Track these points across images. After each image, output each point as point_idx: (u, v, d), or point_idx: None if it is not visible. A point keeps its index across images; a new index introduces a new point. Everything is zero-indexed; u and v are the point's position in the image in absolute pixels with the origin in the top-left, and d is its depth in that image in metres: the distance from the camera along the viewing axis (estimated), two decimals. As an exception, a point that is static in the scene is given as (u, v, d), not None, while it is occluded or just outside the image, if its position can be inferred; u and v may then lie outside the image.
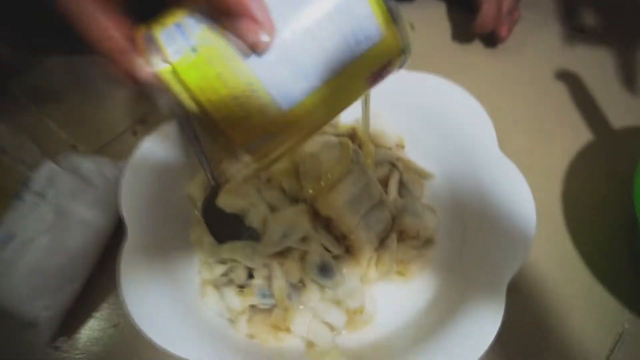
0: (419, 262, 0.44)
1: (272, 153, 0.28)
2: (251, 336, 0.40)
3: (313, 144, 0.44)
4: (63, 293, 0.42)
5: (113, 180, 0.46)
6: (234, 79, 0.23)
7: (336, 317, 0.39)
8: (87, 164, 0.46)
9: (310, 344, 0.39)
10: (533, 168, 0.50)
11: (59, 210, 0.42)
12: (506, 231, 0.40)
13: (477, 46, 0.62)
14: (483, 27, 0.57)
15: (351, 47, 0.24)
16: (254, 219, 0.43)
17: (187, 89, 0.23)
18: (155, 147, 0.45)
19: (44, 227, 0.42)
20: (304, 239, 0.40)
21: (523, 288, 0.44)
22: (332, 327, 0.39)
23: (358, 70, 0.25)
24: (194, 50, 0.23)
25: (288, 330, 0.39)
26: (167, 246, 0.43)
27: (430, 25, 0.65)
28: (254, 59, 0.23)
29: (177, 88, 0.23)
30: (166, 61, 0.23)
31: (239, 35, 0.23)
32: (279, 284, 0.38)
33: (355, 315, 0.41)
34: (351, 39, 0.24)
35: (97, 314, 0.44)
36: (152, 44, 0.24)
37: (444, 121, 0.48)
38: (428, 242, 0.45)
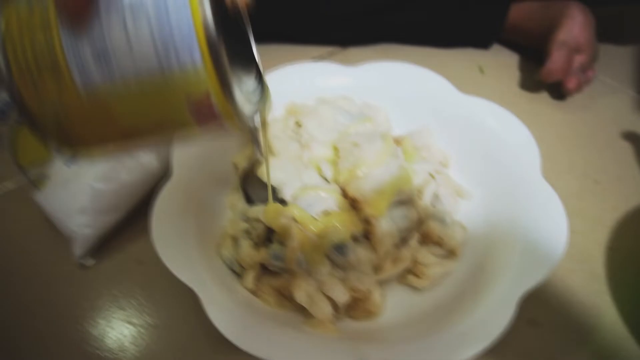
0: (437, 270, 0.43)
1: (78, 139, 0.26)
2: (254, 293, 0.41)
3: (356, 134, 0.46)
4: (105, 218, 0.46)
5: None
6: (42, 40, 0.23)
7: (339, 293, 0.39)
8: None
9: (309, 315, 0.39)
10: (580, 214, 0.48)
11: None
12: (532, 250, 0.38)
13: (543, 96, 0.63)
14: (549, 75, 0.58)
15: (159, 54, 0.23)
16: (287, 192, 0.45)
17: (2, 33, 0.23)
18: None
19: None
20: (326, 213, 0.41)
21: (546, 323, 0.41)
22: (333, 303, 0.39)
23: (173, 85, 0.24)
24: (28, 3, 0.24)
25: (290, 297, 0.40)
26: (202, 200, 0.46)
27: (500, 71, 0.66)
28: (67, 30, 0.23)
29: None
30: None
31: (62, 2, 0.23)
32: (293, 246, 0.39)
33: (360, 302, 0.40)
34: (160, 46, 0.23)
35: (127, 248, 0.48)
36: None
37: (490, 143, 0.48)
38: (451, 254, 0.44)
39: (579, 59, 0.59)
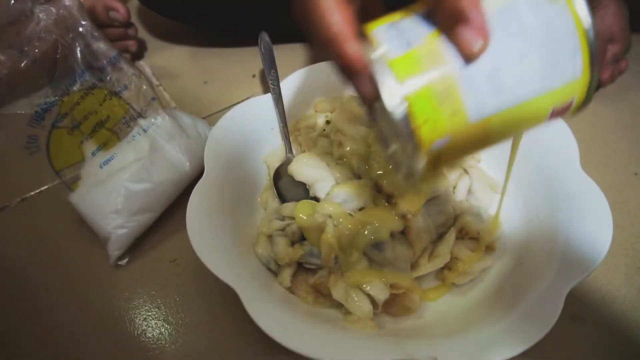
0: (475, 266, 0.42)
1: (440, 160, 0.27)
2: (291, 292, 0.41)
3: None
4: (139, 218, 0.46)
5: (205, 138, 0.51)
6: (437, 80, 0.24)
7: (378, 289, 0.38)
8: (187, 119, 0.52)
9: (347, 312, 0.39)
10: (620, 207, 0.47)
11: (154, 145, 0.48)
12: (576, 244, 0.37)
13: (574, 88, 0.61)
14: (582, 66, 0.57)
15: (548, 77, 0.24)
16: (320, 190, 0.45)
17: (394, 78, 0.24)
18: (243, 116, 0.50)
19: (139, 156, 0.47)
20: (361, 209, 0.41)
21: (589, 319, 0.40)
22: (372, 300, 0.38)
23: (547, 101, 0.25)
24: (407, 46, 0.24)
25: (328, 294, 0.39)
26: (235, 198, 0.46)
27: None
28: (460, 64, 0.23)
29: (383, 78, 0.24)
30: (379, 53, 0.24)
31: (455, 39, 0.23)
32: (329, 242, 0.39)
33: (399, 299, 0.40)
34: (551, 70, 0.24)
35: (161, 247, 0.48)
36: (368, 38, 0.25)
37: (525, 137, 0.47)
38: (488, 248, 0.43)
39: (612, 49, 0.57)
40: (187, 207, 0.39)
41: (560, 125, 0.45)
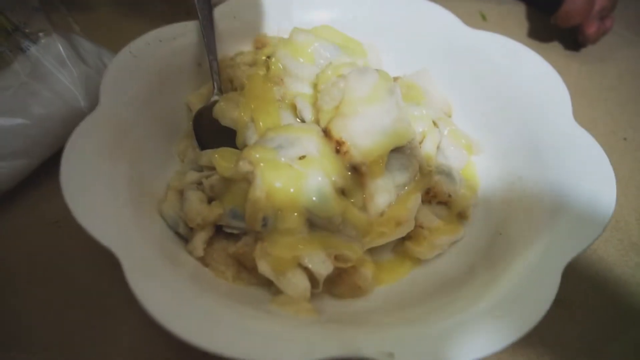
0: (443, 237, 0.33)
1: None
2: (205, 264, 0.31)
3: (344, 66, 0.36)
4: (9, 165, 0.35)
5: (109, 69, 0.39)
6: None
7: (319, 262, 0.29)
8: (87, 45, 0.41)
9: (276, 292, 0.29)
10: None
11: (36, 71, 0.36)
12: (572, 208, 0.29)
13: (555, 46, 0.54)
14: (568, 17, 0.49)
15: None
16: (250, 138, 0.35)
17: None
18: (163, 43, 0.39)
19: (12, 83, 0.35)
20: (302, 158, 0.31)
21: (578, 304, 0.33)
22: (310, 276, 0.29)
23: None
24: None
25: (253, 268, 0.30)
26: (142, 144, 0.35)
27: (505, 19, 0.57)
28: None
29: None
30: None
31: None
32: (256, 199, 0.29)
33: (346, 275, 0.30)
34: None
35: (40, 206, 0.36)
36: None
37: (506, 87, 0.39)
38: (460, 216, 0.35)
39: (599, 3, 0.50)
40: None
41: (549, 74, 0.37)
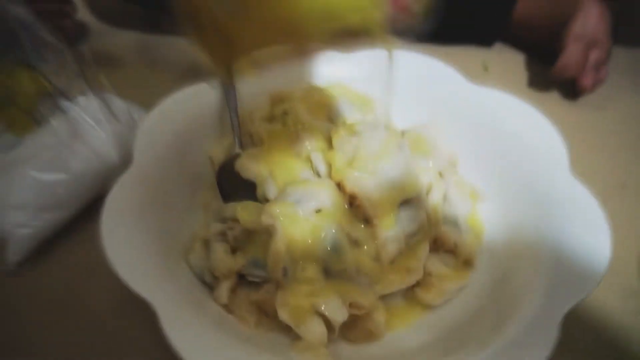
0: (451, 283, 0.36)
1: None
2: (229, 310, 0.33)
3: (356, 124, 0.40)
4: (49, 216, 0.38)
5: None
6: None
7: (335, 309, 0.31)
8: (119, 103, 0.45)
9: (296, 337, 0.31)
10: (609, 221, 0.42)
11: (74, 130, 0.40)
12: (569, 260, 0.31)
13: (554, 96, 0.57)
14: (564, 69, 0.53)
15: None
16: (270, 190, 0.38)
17: None
18: (188, 102, 0.43)
19: (52, 142, 0.39)
20: (318, 212, 0.34)
21: (579, 348, 0.34)
22: (327, 322, 0.31)
23: None
24: None
25: (273, 315, 0.32)
26: (170, 197, 0.38)
27: (506, 70, 0.61)
28: None
29: None
30: None
31: None
32: (277, 249, 0.32)
33: (360, 321, 0.33)
34: None
35: (76, 253, 0.39)
36: None
37: (506, 139, 0.42)
38: (466, 264, 0.37)
39: (594, 54, 0.53)
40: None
41: (547, 127, 0.40)
